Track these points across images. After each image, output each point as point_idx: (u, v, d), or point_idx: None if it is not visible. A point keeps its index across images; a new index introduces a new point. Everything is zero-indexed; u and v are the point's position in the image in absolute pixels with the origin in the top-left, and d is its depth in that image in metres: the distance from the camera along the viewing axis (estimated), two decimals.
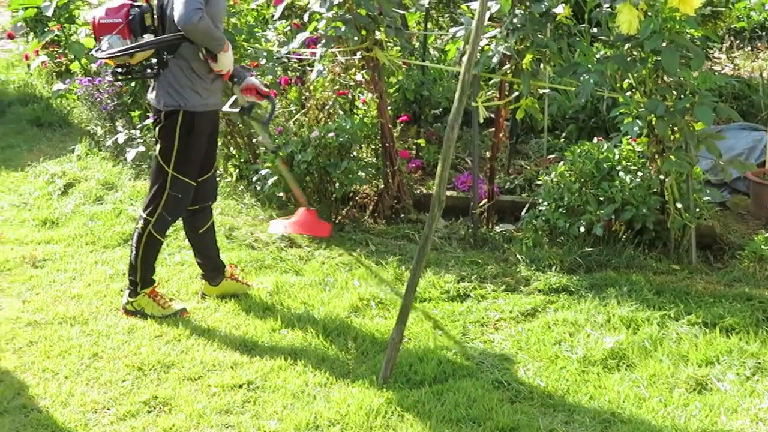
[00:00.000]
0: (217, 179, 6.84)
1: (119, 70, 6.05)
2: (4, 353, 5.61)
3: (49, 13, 11.56)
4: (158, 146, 5.96)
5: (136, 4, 5.93)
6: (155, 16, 5.92)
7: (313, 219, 7.04)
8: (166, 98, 5.88)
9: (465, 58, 5.00)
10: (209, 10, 5.66)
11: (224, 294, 6.39)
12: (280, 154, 7.24)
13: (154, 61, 5.93)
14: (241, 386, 5.21)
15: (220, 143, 7.34)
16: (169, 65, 5.86)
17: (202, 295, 6.43)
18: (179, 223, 6.41)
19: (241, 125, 8.39)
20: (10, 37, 14.53)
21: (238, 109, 6.31)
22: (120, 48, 5.81)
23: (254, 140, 7.14)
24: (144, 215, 6.02)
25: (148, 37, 5.90)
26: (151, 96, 6.01)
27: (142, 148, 8.98)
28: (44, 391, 5.17)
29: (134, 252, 6.05)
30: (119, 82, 9.34)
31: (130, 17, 5.86)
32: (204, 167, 6.13)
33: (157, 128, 5.95)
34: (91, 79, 9.98)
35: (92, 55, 5.78)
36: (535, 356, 5.54)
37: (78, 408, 5.00)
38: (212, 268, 6.39)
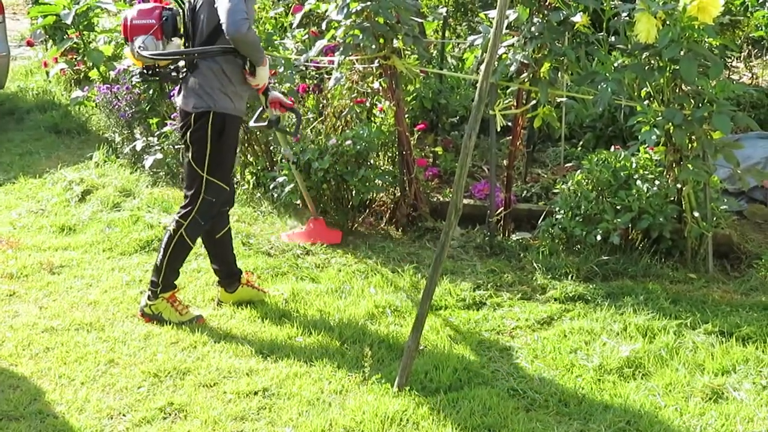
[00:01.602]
0: (235, 186, 6.86)
1: (147, 71, 6.07)
2: (21, 359, 5.62)
3: (69, 20, 11.61)
4: (190, 151, 5.96)
5: (167, 6, 5.98)
6: (186, 20, 5.97)
7: (322, 228, 7.23)
8: (196, 100, 5.88)
9: (483, 67, 5.00)
10: None
11: (240, 301, 6.40)
12: (298, 161, 7.34)
13: (181, 63, 5.97)
14: (256, 393, 5.21)
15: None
16: (199, 67, 5.87)
17: (218, 302, 6.43)
18: None
19: (258, 133, 8.41)
20: (30, 44, 14.60)
21: (265, 123, 6.37)
22: (168, 50, 5.92)
23: (281, 152, 7.27)
24: (177, 218, 6.04)
25: (177, 41, 6.00)
26: (178, 99, 6.03)
27: (159, 156, 9.01)
28: (60, 396, 5.18)
29: (162, 253, 6.06)
30: (144, 84, 9.39)
31: (164, 19, 5.92)
32: None
33: (188, 133, 5.94)
34: (109, 86, 10.01)
35: (137, 52, 5.82)
36: (550, 364, 5.53)
37: (94, 414, 5.01)
38: (228, 275, 6.40)
